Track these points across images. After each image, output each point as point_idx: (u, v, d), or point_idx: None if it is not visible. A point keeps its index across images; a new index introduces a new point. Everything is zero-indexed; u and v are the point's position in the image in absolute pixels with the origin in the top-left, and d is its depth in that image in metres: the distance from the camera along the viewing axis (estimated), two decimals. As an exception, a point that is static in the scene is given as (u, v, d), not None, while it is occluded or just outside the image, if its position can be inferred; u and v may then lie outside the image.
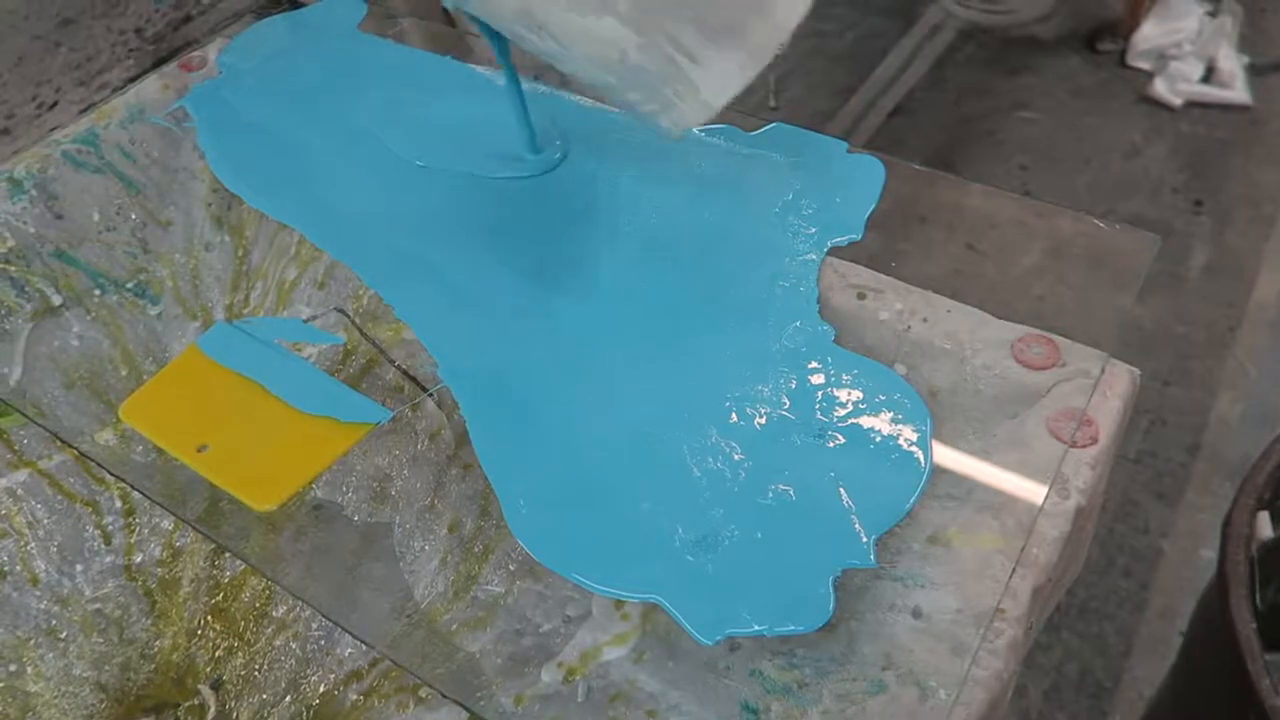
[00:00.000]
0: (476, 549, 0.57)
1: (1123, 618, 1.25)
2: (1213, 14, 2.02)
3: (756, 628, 0.43)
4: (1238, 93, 1.93)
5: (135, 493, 0.63)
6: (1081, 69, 2.05)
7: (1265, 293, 1.63)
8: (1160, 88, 1.95)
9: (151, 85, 0.77)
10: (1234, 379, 1.51)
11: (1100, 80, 2.02)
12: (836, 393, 0.51)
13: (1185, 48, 1.98)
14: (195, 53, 0.80)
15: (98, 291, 0.69)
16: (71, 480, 0.63)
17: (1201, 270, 1.67)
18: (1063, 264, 0.62)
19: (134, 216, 0.72)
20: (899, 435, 0.49)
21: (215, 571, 0.61)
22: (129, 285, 0.70)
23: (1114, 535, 1.33)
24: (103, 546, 0.61)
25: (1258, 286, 1.64)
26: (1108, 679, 1.20)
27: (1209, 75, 1.97)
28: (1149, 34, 2.01)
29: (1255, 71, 1.97)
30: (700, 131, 0.68)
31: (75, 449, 0.61)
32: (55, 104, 1.13)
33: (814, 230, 0.59)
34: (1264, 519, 0.71)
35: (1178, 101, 1.94)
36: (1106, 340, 0.54)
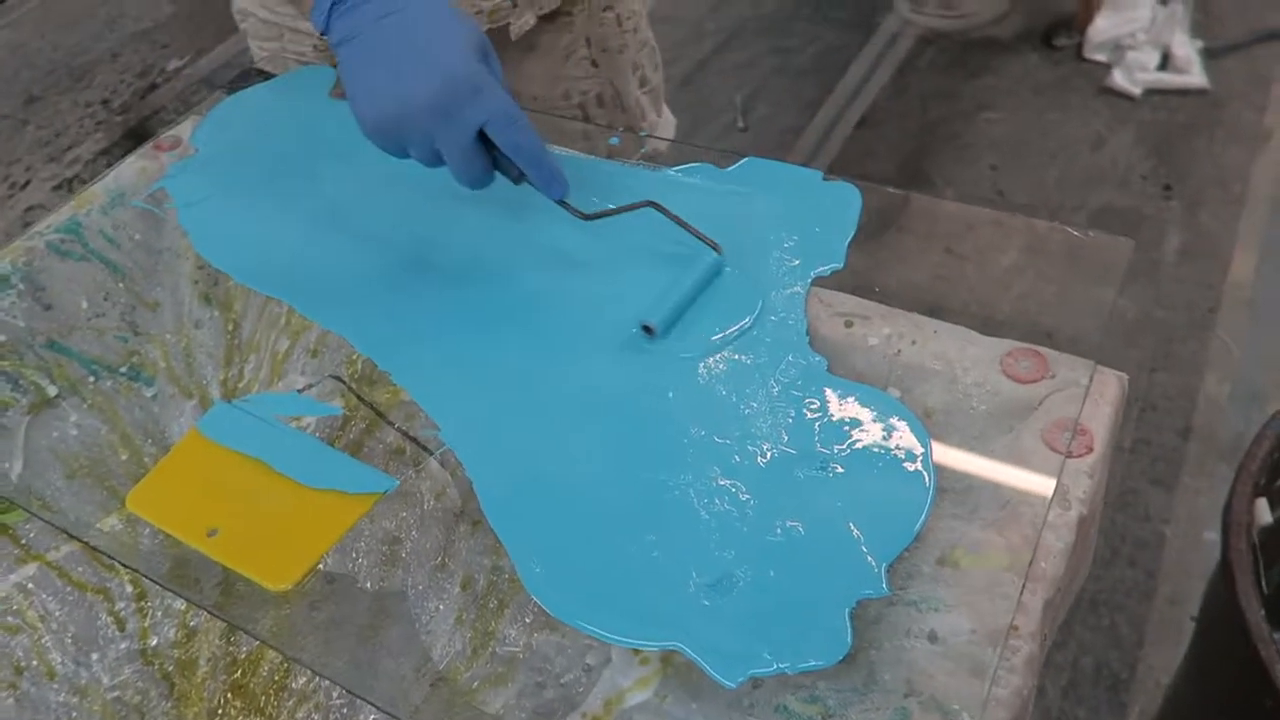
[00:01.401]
0: (491, 604, 0.57)
1: (1132, 607, 1.26)
2: (1164, 2, 2.05)
3: (778, 666, 0.43)
4: (1195, 77, 1.97)
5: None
6: (1040, 66, 2.09)
7: (1241, 271, 1.66)
8: (1119, 78, 1.99)
9: (129, 169, 0.77)
10: (1218, 359, 1.53)
11: (1060, 75, 2.06)
12: (835, 422, 0.52)
13: (1140, 37, 2.02)
14: (169, 133, 0.80)
15: (92, 379, 0.69)
16: (81, 569, 0.63)
17: (1177, 254, 1.69)
18: (1041, 260, 0.63)
19: (122, 300, 0.73)
20: (900, 458, 0.50)
21: (231, 648, 0.61)
22: (122, 370, 0.70)
23: (1116, 525, 1.34)
24: (117, 633, 0.61)
25: (1233, 266, 1.67)
26: (1124, 670, 1.20)
27: (1165, 62, 2.00)
28: (1103, 27, 2.04)
29: (1210, 55, 2.01)
30: (676, 171, 0.69)
31: (82, 541, 0.61)
32: (27, 183, 1.12)
33: (797, 262, 0.60)
34: (1262, 505, 0.72)
35: (1137, 90, 1.97)
36: (1093, 333, 0.55)
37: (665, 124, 1.09)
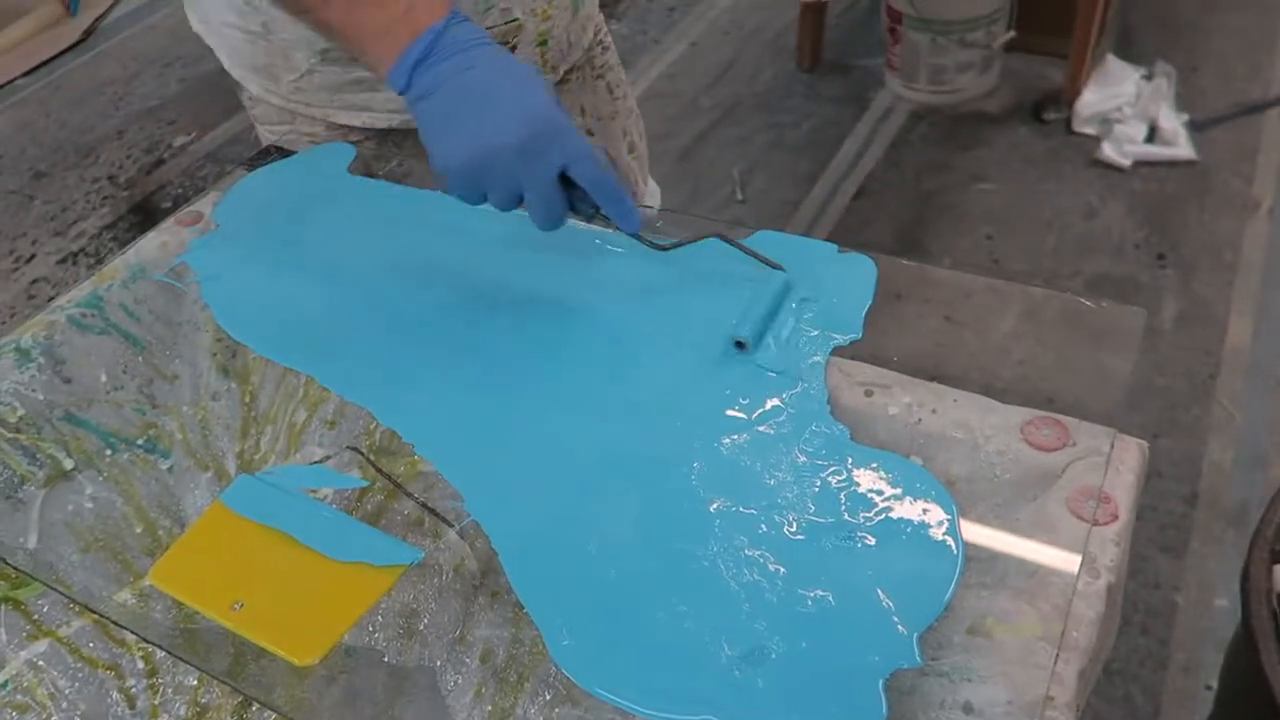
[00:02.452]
0: (511, 678, 0.56)
1: (1146, 676, 1.25)
2: (1148, 77, 2.11)
3: (813, 741, 0.43)
4: (1182, 149, 2.01)
5: (158, 652, 0.62)
6: (1031, 138, 2.13)
7: (1238, 337, 1.68)
8: (1108, 150, 2.03)
9: (150, 244, 0.78)
10: (1221, 425, 1.54)
11: (1050, 148, 2.10)
12: (861, 491, 0.52)
13: (1126, 111, 2.07)
14: (190, 208, 0.82)
15: (108, 451, 0.69)
16: (92, 645, 0.62)
17: (1174, 322, 1.71)
18: (1039, 327, 0.64)
19: (140, 373, 0.73)
20: (928, 526, 0.50)
21: (244, 726, 0.60)
22: (139, 442, 0.70)
23: (1126, 593, 1.32)
24: (127, 711, 0.60)
25: (1230, 332, 1.69)
26: (1141, 742, 1.18)
27: (1152, 135, 2.05)
28: (1090, 101, 2.10)
29: (1195, 127, 2.06)
30: (692, 245, 0.70)
31: (98, 613, 0.60)
32: (33, 256, 1.13)
33: (816, 333, 0.61)
34: (1280, 571, 0.72)
35: (1127, 162, 2.01)
36: (1100, 399, 0.55)
37: (651, 193, 1.11)
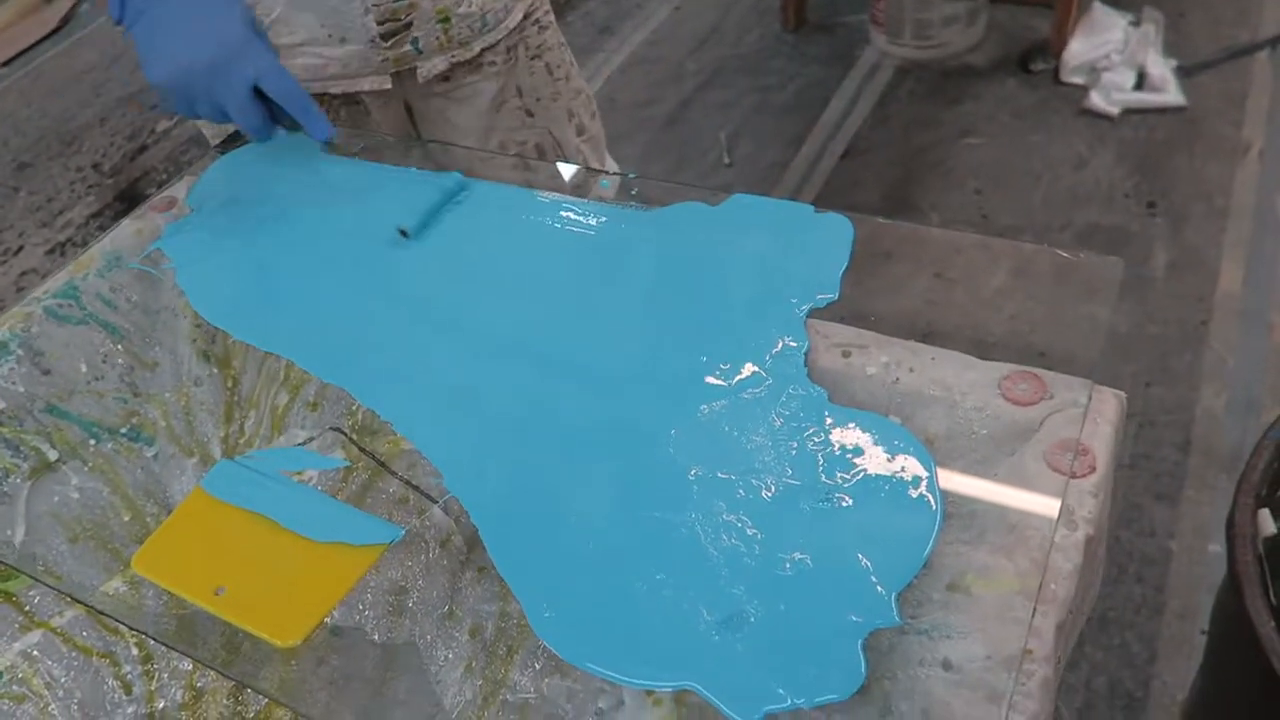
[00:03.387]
0: (501, 651, 0.57)
1: (1142, 624, 1.26)
2: (1135, 23, 2.09)
3: (793, 702, 0.43)
4: (1171, 95, 2.00)
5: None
6: (1019, 91, 2.12)
7: (1230, 282, 1.67)
8: (1096, 99, 2.02)
9: (125, 231, 0.78)
10: (1214, 371, 1.54)
11: (1038, 99, 2.08)
12: (839, 452, 0.52)
13: (1114, 59, 2.05)
14: (163, 194, 0.81)
15: (92, 441, 0.69)
16: (85, 634, 0.62)
17: (1166, 269, 1.71)
18: (1030, 281, 0.64)
19: (120, 362, 0.73)
20: (906, 483, 0.50)
21: (240, 708, 0.60)
22: (122, 431, 0.70)
23: (1121, 542, 1.33)
24: (124, 697, 0.61)
25: (1222, 277, 1.68)
26: (1138, 688, 1.19)
27: (1141, 82, 2.03)
28: (1078, 50, 2.08)
29: (1184, 73, 2.04)
30: (667, 210, 0.69)
31: (86, 605, 0.60)
32: (20, 249, 1.13)
33: (793, 297, 0.61)
34: (1265, 516, 0.72)
35: (1115, 110, 2.00)
36: (1087, 352, 0.55)
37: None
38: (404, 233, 0.70)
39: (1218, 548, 1.32)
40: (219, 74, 0.68)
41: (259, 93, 0.69)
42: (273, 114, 0.71)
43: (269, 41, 0.71)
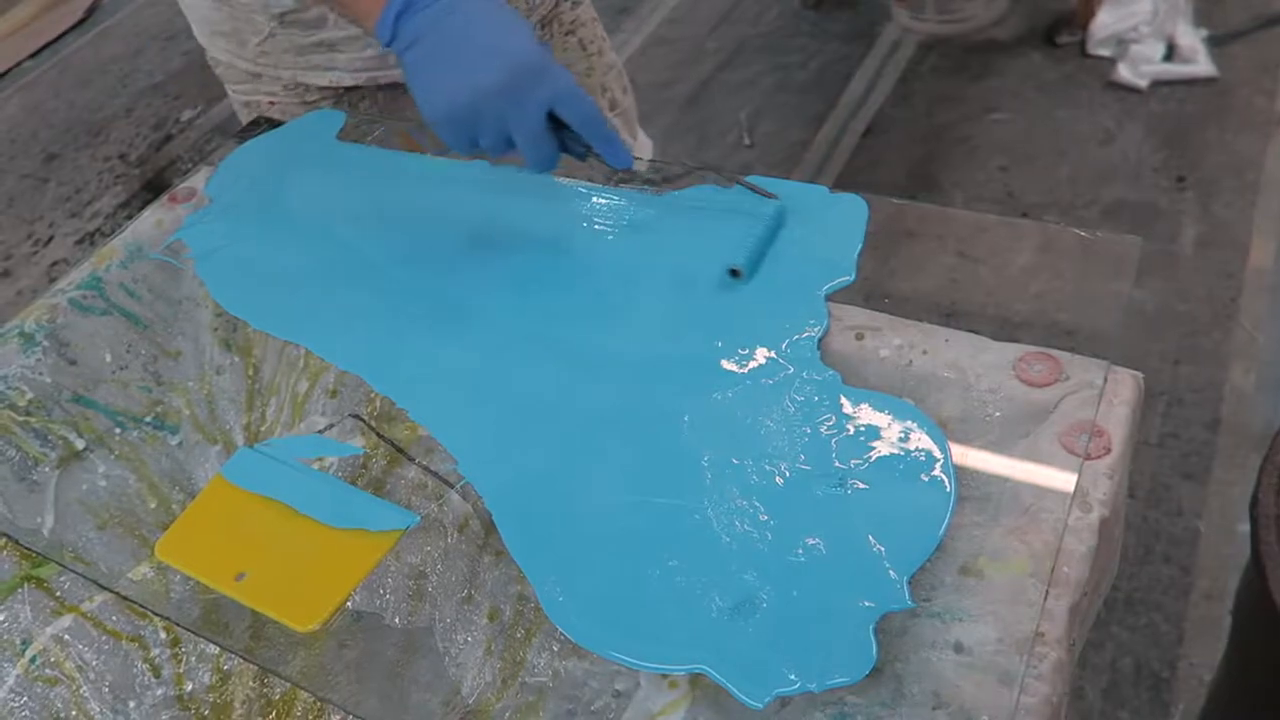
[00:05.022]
0: (519, 634, 0.58)
1: (1170, 605, 1.25)
2: (1165, -7, 2.05)
3: (804, 685, 0.43)
4: (1201, 66, 1.96)
5: (178, 622, 0.64)
6: (1044, 65, 2.08)
7: (1261, 258, 1.64)
8: (1124, 72, 1.98)
9: (146, 222, 0.79)
10: (1243, 349, 1.51)
11: (1064, 73, 2.05)
12: (852, 435, 0.52)
13: (1143, 30, 2.01)
14: (183, 185, 0.82)
15: (118, 430, 0.70)
16: (115, 619, 0.63)
17: (1194, 245, 1.68)
18: (1055, 259, 0.63)
19: (144, 352, 0.74)
20: (920, 466, 0.50)
21: (266, 690, 0.61)
22: (147, 420, 0.71)
23: (1148, 522, 1.32)
24: (153, 680, 0.62)
25: (1253, 253, 1.65)
26: (1164, 669, 1.19)
27: (1170, 53, 1.99)
28: (1105, 21, 2.04)
29: (1215, 43, 1.99)
30: (679, 193, 0.69)
31: (115, 592, 0.62)
32: (50, 239, 1.16)
33: (806, 278, 0.61)
34: (1291, 496, 0.71)
35: (1144, 83, 1.96)
36: (1114, 328, 0.54)
37: (642, 146, 1.10)
38: (735, 273, 0.62)
39: (1246, 528, 1.30)
40: (511, 98, 0.60)
41: (553, 119, 0.62)
42: (563, 143, 0.64)
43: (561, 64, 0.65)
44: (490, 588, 0.59)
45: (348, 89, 0.88)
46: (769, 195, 0.65)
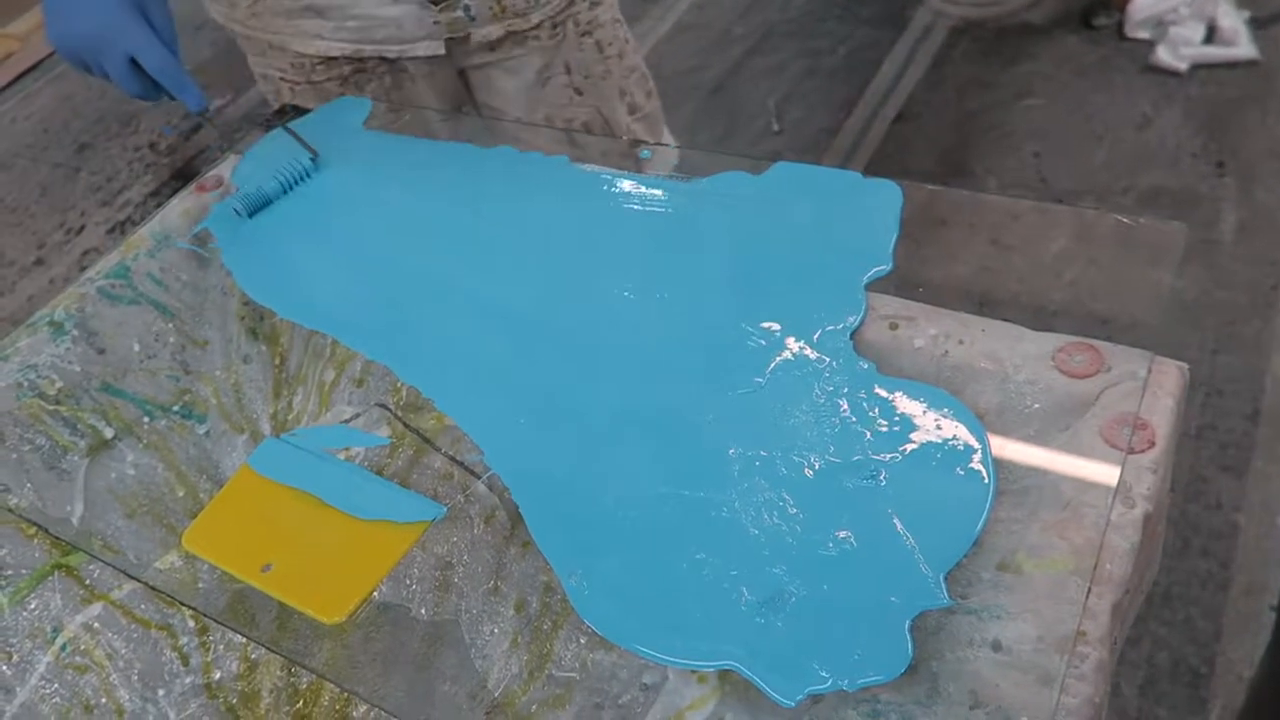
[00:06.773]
0: (545, 626, 0.57)
1: (1208, 600, 1.22)
2: (1205, -27, 2.00)
3: (836, 683, 0.42)
4: (1243, 49, 1.91)
5: (207, 611, 0.64)
6: (1080, 48, 2.04)
7: (1304, 245, 1.60)
8: (1163, 55, 1.93)
9: (173, 211, 0.79)
10: (1285, 338, 1.48)
11: (1101, 56, 2.01)
12: (886, 426, 0.51)
13: (1182, 11, 1.96)
14: (211, 173, 0.82)
15: (146, 419, 0.71)
16: (144, 607, 0.64)
17: (1235, 232, 1.64)
18: (1091, 247, 0.61)
19: (172, 341, 0.74)
20: (957, 457, 0.49)
21: (293, 679, 0.61)
22: (175, 409, 0.71)
23: (1187, 515, 1.29)
24: (181, 668, 0.62)
25: (1294, 240, 1.61)
26: (1202, 665, 1.16)
27: (1211, 35, 1.95)
28: (1144, 3, 1.99)
29: (1258, 25, 1.94)
30: (708, 180, 0.68)
31: (143, 582, 0.62)
32: (82, 228, 1.17)
33: (842, 267, 0.59)
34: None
35: (1183, 66, 1.92)
36: (1151, 317, 0.53)
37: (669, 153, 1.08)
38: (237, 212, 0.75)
39: (1288, 521, 1.27)
40: (99, 47, 0.75)
41: (138, 64, 0.75)
42: (156, 84, 0.77)
43: (167, 10, 0.78)
44: (517, 579, 0.59)
45: (353, 70, 0.90)
46: (310, 149, 0.77)
